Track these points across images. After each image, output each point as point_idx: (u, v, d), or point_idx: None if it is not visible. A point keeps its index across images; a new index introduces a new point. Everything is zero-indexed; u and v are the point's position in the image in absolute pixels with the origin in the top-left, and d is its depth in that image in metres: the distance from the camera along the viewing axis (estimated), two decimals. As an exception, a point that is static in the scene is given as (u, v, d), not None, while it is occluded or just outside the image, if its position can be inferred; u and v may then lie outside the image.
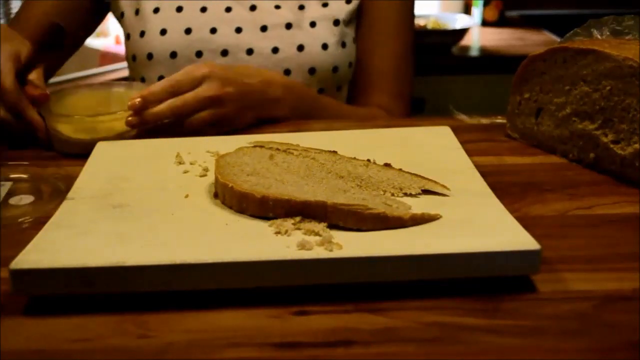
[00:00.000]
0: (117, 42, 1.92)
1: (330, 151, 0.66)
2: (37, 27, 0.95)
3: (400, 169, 0.63)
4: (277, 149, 0.66)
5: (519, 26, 2.16)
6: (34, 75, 0.81)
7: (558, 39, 0.78)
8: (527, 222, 0.52)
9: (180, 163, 0.68)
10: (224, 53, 0.98)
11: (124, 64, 1.75)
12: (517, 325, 0.45)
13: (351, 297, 0.48)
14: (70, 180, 0.65)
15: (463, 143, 0.71)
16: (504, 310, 0.47)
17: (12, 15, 2.08)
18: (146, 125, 0.77)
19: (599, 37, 0.75)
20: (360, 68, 1.05)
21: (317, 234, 0.52)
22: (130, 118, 0.75)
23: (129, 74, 1.09)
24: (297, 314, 0.47)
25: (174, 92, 0.77)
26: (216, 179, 0.59)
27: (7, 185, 0.69)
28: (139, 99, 0.75)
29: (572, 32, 0.77)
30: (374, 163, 0.64)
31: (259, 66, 0.97)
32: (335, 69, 1.00)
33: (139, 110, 0.76)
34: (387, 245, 0.50)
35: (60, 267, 0.48)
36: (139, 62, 1.01)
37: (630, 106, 0.65)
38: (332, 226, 0.53)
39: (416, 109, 1.77)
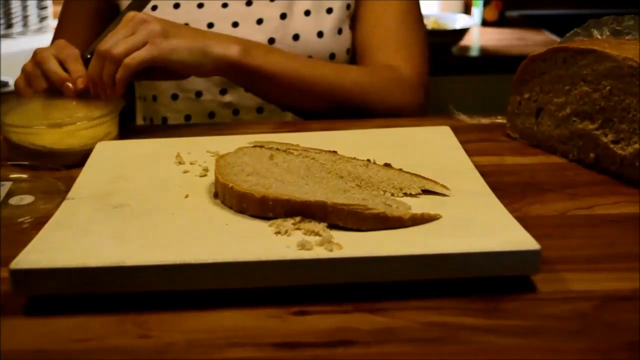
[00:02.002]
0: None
1: (330, 151, 0.66)
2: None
3: (400, 169, 0.63)
4: (277, 149, 0.66)
5: (519, 26, 2.16)
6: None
7: (558, 39, 0.78)
8: (527, 222, 0.52)
9: (180, 163, 0.68)
10: None
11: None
12: (517, 325, 0.45)
13: (351, 297, 0.48)
14: (70, 180, 0.65)
15: (463, 143, 0.71)
16: (504, 310, 0.47)
17: (12, 15, 2.08)
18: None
19: (599, 37, 0.75)
20: (362, 37, 1.01)
21: (317, 234, 0.52)
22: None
23: None
24: (297, 314, 0.47)
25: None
26: (216, 179, 0.59)
27: (7, 185, 0.69)
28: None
29: (572, 32, 0.77)
30: (374, 163, 0.64)
31: None
32: (332, 56, 0.99)
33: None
34: (387, 245, 0.50)
35: (60, 267, 0.48)
36: None
37: (630, 106, 0.65)
38: (332, 226, 0.53)
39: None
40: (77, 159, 0.71)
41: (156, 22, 0.78)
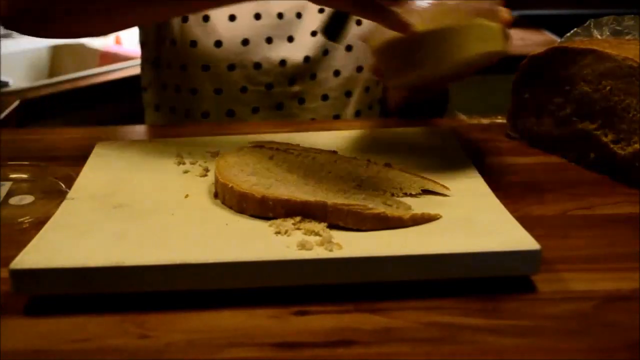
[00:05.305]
0: (117, 42, 1.92)
1: (330, 151, 0.66)
2: None
3: (400, 169, 0.63)
4: (277, 149, 0.66)
5: (519, 26, 2.15)
6: None
7: (558, 39, 0.78)
8: (527, 222, 0.52)
9: (180, 163, 0.68)
10: (290, 39, 0.95)
11: (125, 63, 1.75)
12: (517, 325, 0.45)
13: (351, 297, 0.48)
14: (70, 180, 0.65)
15: (463, 143, 0.71)
16: (504, 310, 0.47)
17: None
18: None
19: (599, 37, 0.75)
20: None
21: (317, 234, 0.52)
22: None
23: (168, 62, 0.99)
24: (297, 314, 0.47)
25: None
26: (216, 179, 0.59)
27: (7, 185, 0.69)
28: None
29: (572, 32, 0.77)
30: (374, 163, 0.64)
31: None
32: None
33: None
34: (387, 245, 0.50)
35: (60, 267, 0.48)
36: (201, 48, 0.94)
37: (630, 106, 0.65)
38: (332, 226, 0.53)
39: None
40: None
41: None
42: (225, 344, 0.44)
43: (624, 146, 0.67)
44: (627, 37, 0.73)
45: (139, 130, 0.91)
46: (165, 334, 0.45)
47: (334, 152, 0.66)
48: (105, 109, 1.69)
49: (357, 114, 1.00)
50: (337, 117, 0.99)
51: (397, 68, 0.64)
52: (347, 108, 1.00)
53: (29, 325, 0.47)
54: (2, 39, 1.95)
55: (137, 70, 1.70)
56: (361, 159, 0.65)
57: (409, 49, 0.61)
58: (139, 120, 1.09)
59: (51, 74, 1.93)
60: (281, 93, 0.97)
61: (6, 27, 0.81)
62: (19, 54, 1.92)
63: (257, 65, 0.94)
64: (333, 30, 0.65)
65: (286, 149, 0.66)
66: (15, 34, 2.06)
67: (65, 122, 1.56)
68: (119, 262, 0.48)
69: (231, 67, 0.94)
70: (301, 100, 0.98)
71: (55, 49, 1.98)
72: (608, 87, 0.67)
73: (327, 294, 0.48)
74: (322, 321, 0.46)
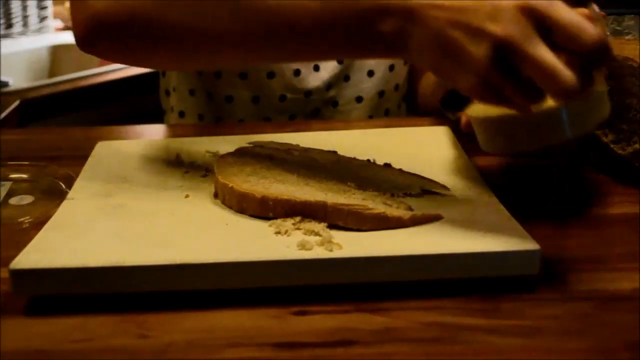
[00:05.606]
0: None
1: (330, 151, 0.66)
2: None
3: (400, 169, 0.63)
4: (277, 149, 0.66)
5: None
6: None
7: (558, 39, 0.77)
8: (527, 222, 0.52)
9: (180, 163, 0.68)
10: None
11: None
12: (517, 325, 0.45)
13: (351, 297, 0.48)
14: (70, 180, 0.65)
15: (463, 143, 0.71)
16: (504, 310, 0.47)
17: (12, 15, 2.08)
18: None
19: (599, 37, 0.75)
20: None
21: (317, 234, 0.52)
22: None
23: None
24: (297, 314, 0.47)
25: None
26: (216, 179, 0.59)
27: (7, 185, 0.69)
28: None
29: (572, 32, 0.77)
30: (374, 163, 0.64)
31: None
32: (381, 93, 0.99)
33: None
34: (387, 245, 0.50)
35: (60, 267, 0.48)
36: None
37: (630, 106, 0.65)
38: (332, 226, 0.53)
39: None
40: None
41: None
42: (225, 344, 0.44)
43: (624, 146, 0.67)
44: (627, 37, 0.73)
45: (139, 130, 0.91)
46: (165, 334, 0.45)
47: (334, 152, 0.66)
48: (105, 109, 1.69)
49: (386, 112, 0.99)
50: (370, 117, 0.98)
51: (507, 143, 0.58)
52: (379, 108, 0.99)
53: (29, 325, 0.47)
54: (2, 39, 1.95)
55: (137, 71, 1.70)
56: (361, 159, 0.65)
57: (523, 126, 0.56)
58: (139, 120, 1.08)
59: (51, 74, 1.93)
60: (318, 99, 0.95)
61: (83, 47, 0.63)
62: (19, 54, 1.92)
63: (297, 72, 0.93)
64: (452, 106, 0.63)
65: (286, 149, 0.66)
66: (14, 33, 2.06)
67: (65, 122, 1.56)
68: (119, 262, 0.48)
69: (270, 74, 0.92)
70: (335, 104, 0.96)
71: (55, 49, 1.98)
72: (608, 87, 0.67)
73: (327, 294, 0.48)
74: (322, 321, 0.46)
